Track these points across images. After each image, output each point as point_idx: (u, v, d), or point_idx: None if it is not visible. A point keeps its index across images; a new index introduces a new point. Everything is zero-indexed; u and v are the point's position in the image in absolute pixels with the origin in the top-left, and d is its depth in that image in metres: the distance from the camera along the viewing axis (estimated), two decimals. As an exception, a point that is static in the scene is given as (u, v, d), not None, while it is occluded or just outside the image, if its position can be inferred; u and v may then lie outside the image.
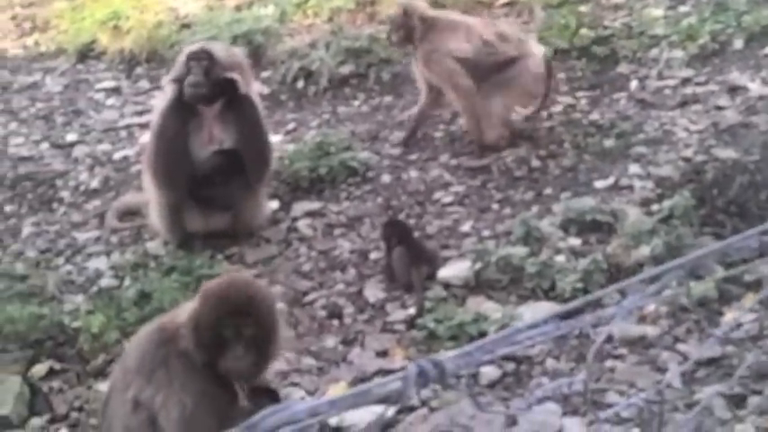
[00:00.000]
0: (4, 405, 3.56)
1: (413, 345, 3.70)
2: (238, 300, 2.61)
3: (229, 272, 4.17)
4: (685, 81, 5.47)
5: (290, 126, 5.68)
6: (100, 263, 4.54)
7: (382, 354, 3.68)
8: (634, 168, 4.72)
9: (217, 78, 4.37)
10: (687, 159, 4.70)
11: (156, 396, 2.64)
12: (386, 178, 4.96)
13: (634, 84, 5.52)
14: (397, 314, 3.93)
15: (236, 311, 2.58)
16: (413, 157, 5.14)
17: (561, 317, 3.68)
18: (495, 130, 5.00)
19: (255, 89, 4.81)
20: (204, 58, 4.40)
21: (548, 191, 4.70)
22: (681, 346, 3.50)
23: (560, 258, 4.04)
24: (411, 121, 5.30)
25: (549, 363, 3.52)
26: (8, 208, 5.16)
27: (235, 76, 4.41)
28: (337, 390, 3.44)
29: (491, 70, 4.94)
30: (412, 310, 3.91)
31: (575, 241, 4.19)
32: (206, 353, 2.60)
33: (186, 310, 2.71)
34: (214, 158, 4.45)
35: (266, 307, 2.65)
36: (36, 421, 3.55)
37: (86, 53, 6.93)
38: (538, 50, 5.07)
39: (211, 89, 4.38)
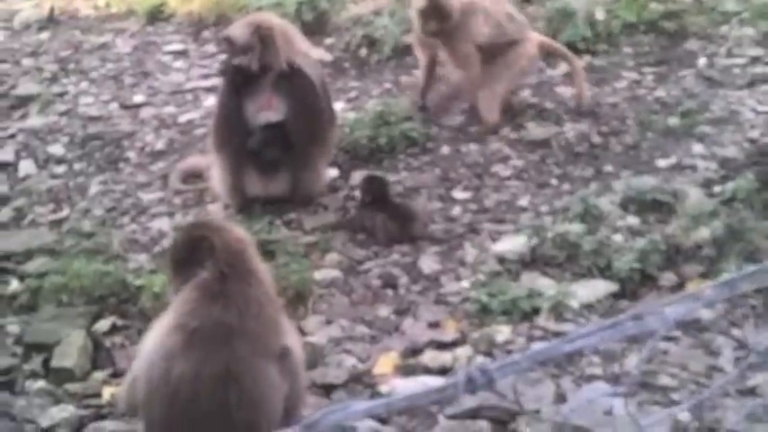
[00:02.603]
0: (67, 358, 3.65)
1: (465, 317, 3.71)
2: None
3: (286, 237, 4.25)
4: (755, 60, 5.36)
5: (352, 94, 5.70)
6: (163, 223, 4.62)
7: (434, 325, 3.71)
8: (698, 148, 4.65)
9: (269, 57, 4.44)
10: (753, 141, 4.62)
11: None
12: (445, 150, 4.96)
13: (702, 61, 5.42)
14: (451, 286, 3.94)
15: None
16: (472, 129, 5.12)
17: (615, 295, 3.68)
18: (495, 112, 5.03)
19: (314, 56, 4.83)
20: (255, 37, 4.44)
21: (608, 168, 4.66)
22: (736, 332, 3.47)
23: (618, 237, 4.02)
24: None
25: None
26: (77, 166, 5.28)
27: (282, 55, 4.44)
28: (388, 359, 3.48)
29: (496, 53, 4.97)
30: (466, 283, 3.93)
31: (633, 220, 4.15)
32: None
33: None
34: (269, 125, 4.50)
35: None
36: (98, 375, 3.63)
37: (156, 15, 7.01)
38: (533, 34, 5.16)
39: (264, 66, 4.46)
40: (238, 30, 4.55)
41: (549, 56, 5.41)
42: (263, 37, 4.47)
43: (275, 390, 2.65)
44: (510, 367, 1.26)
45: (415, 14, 4.97)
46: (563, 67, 5.54)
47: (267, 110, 4.53)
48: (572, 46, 5.68)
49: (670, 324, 1.31)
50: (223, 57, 5.09)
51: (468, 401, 3.14)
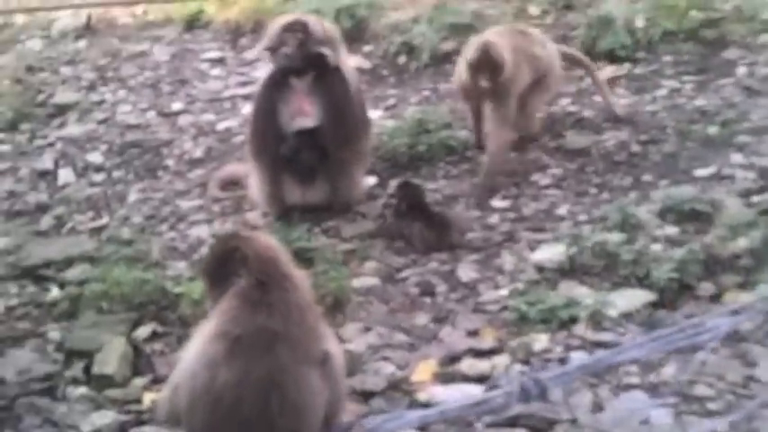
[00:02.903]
0: (108, 364, 3.73)
1: (503, 326, 3.78)
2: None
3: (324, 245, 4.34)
4: (796, 69, 5.38)
5: (391, 102, 5.79)
6: (201, 231, 4.73)
7: (473, 333, 3.77)
8: (737, 158, 4.69)
9: (309, 51, 4.52)
10: (793, 150, 4.65)
11: None
12: (484, 158, 5.03)
13: (742, 70, 5.46)
14: (489, 294, 4.01)
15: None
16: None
17: (653, 304, 3.72)
18: (535, 124, 5.09)
19: (349, 64, 4.92)
20: (299, 29, 4.54)
21: (647, 177, 4.71)
22: (775, 342, 3.50)
23: (656, 247, 4.07)
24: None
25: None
26: (116, 174, 5.41)
27: (326, 50, 4.54)
28: (427, 367, 3.55)
29: (533, 83, 4.94)
30: (504, 292, 4.00)
31: (672, 230, 4.20)
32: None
33: None
34: (303, 132, 4.59)
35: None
36: (138, 381, 3.71)
37: (193, 23, 7.15)
38: (556, 51, 5.13)
39: (303, 62, 4.53)
40: (312, 21, 4.63)
41: (570, 65, 5.42)
42: (333, 35, 4.60)
43: (317, 396, 2.71)
44: (562, 378, 1.32)
45: (465, 66, 4.80)
46: (602, 76, 5.58)
47: (301, 115, 4.62)
48: (612, 54, 5.75)
49: (719, 338, 1.38)
50: (261, 65, 5.19)
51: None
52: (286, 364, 2.66)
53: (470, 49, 4.78)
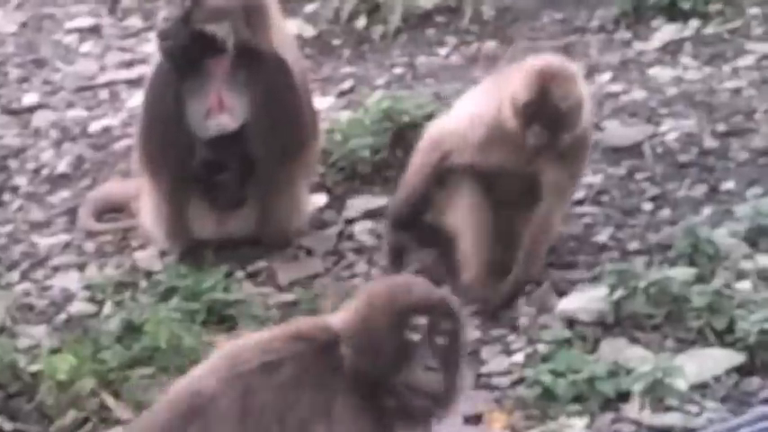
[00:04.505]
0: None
1: (519, 407, 3.79)
2: (426, 293, 2.84)
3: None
4: None
5: (346, 84, 5.81)
6: (69, 280, 4.71)
7: (474, 420, 3.77)
8: None
9: (194, 29, 4.57)
10: None
11: None
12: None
13: None
14: (498, 362, 4.03)
15: (426, 306, 2.79)
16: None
17: (740, 370, 3.76)
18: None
19: (287, 34, 4.93)
20: None
21: (727, 185, 4.75)
22: None
23: (744, 285, 4.10)
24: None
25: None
26: (-62, 200, 5.39)
27: (219, 27, 4.55)
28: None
29: None
30: (519, 357, 4.01)
31: (766, 260, 4.24)
32: (379, 367, 2.77)
33: (336, 318, 2.89)
34: (223, 134, 4.60)
35: (456, 306, 2.86)
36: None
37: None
38: None
39: (191, 42, 4.57)
40: None
41: None
42: (248, 4, 4.61)
43: None
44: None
45: (511, 111, 4.28)
46: (657, 39, 5.65)
47: (218, 113, 4.63)
48: (671, 7, 5.81)
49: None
50: (165, 23, 5.17)
51: None
52: None
53: (521, 78, 4.28)
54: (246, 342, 2.92)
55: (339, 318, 2.89)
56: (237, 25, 4.62)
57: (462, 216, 4.42)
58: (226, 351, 2.94)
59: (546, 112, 4.19)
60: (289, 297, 4.46)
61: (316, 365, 2.81)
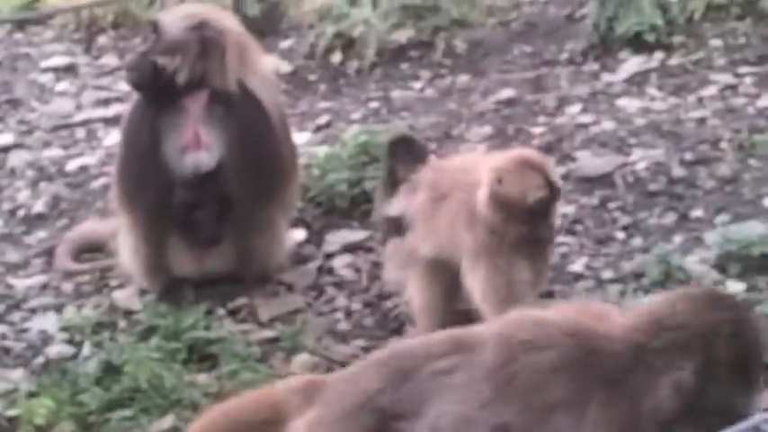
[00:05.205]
0: None
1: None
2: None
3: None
4: None
5: (322, 119, 5.82)
6: (47, 322, 4.66)
7: None
8: (822, 179, 4.79)
9: (154, 62, 4.55)
10: None
11: None
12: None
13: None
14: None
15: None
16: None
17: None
18: None
19: (266, 70, 4.93)
20: (153, 29, 4.61)
21: (696, 212, 4.77)
22: None
23: (716, 312, 4.11)
24: None
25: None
26: None
27: (173, 60, 4.55)
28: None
29: None
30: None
31: (736, 286, 4.24)
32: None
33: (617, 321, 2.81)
34: (200, 171, 4.60)
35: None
36: None
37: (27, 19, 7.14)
38: None
39: (155, 75, 4.56)
40: (173, 19, 4.64)
41: None
42: (207, 39, 4.59)
43: None
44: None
45: (485, 194, 3.95)
46: (624, 71, 5.68)
47: (194, 150, 4.62)
48: (637, 40, 5.85)
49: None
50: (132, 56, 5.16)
51: None
52: None
53: (494, 168, 3.93)
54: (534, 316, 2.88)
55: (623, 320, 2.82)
56: (190, 60, 4.59)
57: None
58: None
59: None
60: (270, 333, 4.42)
61: (582, 360, 2.74)
